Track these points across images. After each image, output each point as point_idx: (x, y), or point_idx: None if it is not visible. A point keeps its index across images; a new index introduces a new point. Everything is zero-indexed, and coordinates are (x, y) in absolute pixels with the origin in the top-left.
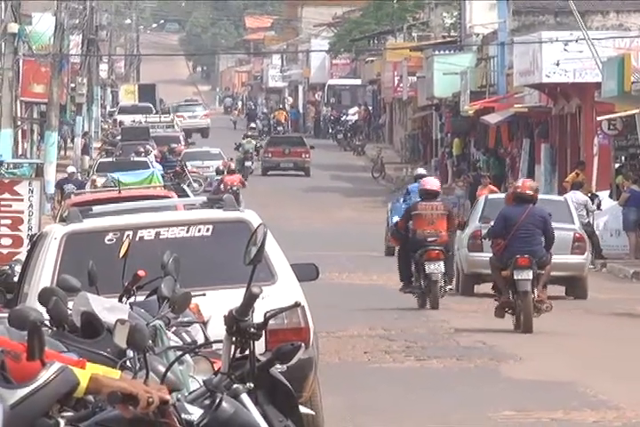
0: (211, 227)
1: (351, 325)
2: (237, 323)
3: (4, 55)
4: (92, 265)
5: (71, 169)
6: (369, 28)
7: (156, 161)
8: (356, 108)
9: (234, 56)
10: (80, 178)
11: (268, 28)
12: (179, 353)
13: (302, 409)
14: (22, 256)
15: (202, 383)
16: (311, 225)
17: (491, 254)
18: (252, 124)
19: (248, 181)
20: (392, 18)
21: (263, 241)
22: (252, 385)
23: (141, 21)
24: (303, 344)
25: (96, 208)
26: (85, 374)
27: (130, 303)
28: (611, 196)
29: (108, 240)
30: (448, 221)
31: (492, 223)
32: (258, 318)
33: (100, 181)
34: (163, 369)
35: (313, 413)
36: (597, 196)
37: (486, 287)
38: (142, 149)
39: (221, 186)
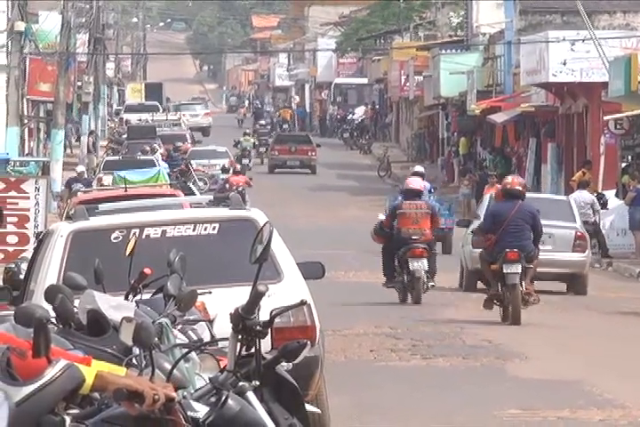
0: (217, 225)
1: (357, 323)
2: (243, 321)
3: (11, 53)
4: (99, 263)
5: (80, 168)
6: (376, 27)
7: (162, 159)
8: (362, 108)
9: (240, 55)
10: (86, 176)
11: (274, 27)
12: (185, 351)
13: (308, 407)
14: (28, 254)
15: (208, 381)
16: (317, 223)
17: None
18: (262, 122)
19: (254, 180)
20: (399, 17)
21: (269, 239)
22: (258, 383)
23: (148, 20)
24: (309, 342)
25: (102, 206)
26: (91, 371)
27: (136, 301)
28: (617, 195)
29: (115, 238)
30: (431, 219)
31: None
32: (264, 316)
33: (107, 179)
34: (169, 367)
35: (319, 411)
36: (604, 195)
37: None
38: (148, 148)
39: (227, 186)
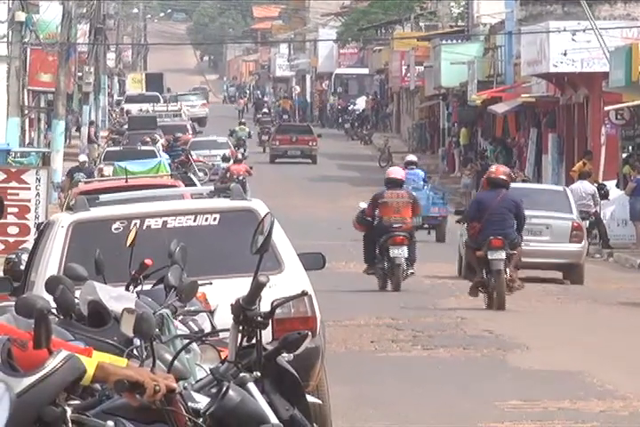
0: (218, 216)
1: (358, 314)
2: (244, 312)
3: (12, 44)
4: (99, 254)
5: (83, 158)
6: (376, 17)
7: (163, 150)
8: (363, 98)
9: (241, 45)
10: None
11: (275, 18)
12: (185, 342)
13: (309, 398)
14: (29, 245)
15: (208, 372)
16: (318, 214)
17: None
18: (265, 110)
19: (255, 169)
20: (400, 7)
21: (270, 230)
22: (259, 374)
23: (149, 10)
24: (310, 333)
25: (103, 197)
26: (92, 362)
27: (137, 292)
28: (618, 185)
29: (115, 229)
30: (413, 208)
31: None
32: (265, 306)
33: (108, 169)
34: (169, 358)
35: (320, 402)
36: (605, 185)
37: None
38: (148, 139)
39: (227, 175)
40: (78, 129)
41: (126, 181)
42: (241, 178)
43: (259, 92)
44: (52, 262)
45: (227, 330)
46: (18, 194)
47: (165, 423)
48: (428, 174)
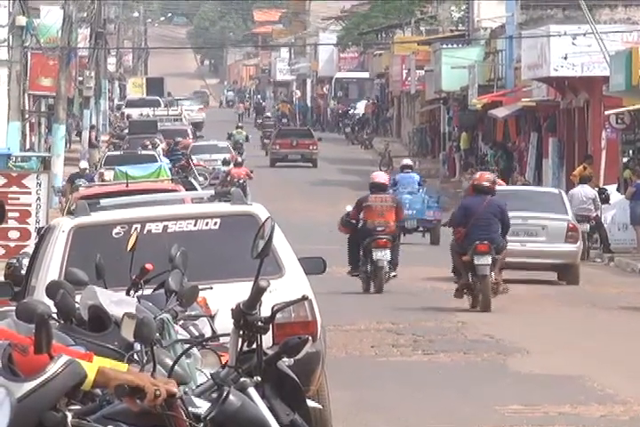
0: (218, 220)
1: (359, 318)
2: (245, 316)
3: (13, 48)
4: (100, 258)
5: (83, 164)
6: (377, 21)
7: (163, 155)
8: (364, 102)
9: (242, 49)
10: (89, 172)
11: (276, 22)
12: (186, 346)
13: (310, 403)
14: (30, 249)
15: (209, 377)
16: (318, 218)
17: None
18: (268, 114)
19: (255, 173)
20: (400, 11)
21: (271, 234)
22: (260, 379)
23: (149, 15)
24: (310, 338)
25: (104, 201)
26: (93, 367)
27: (137, 297)
28: (618, 190)
29: (116, 233)
30: (396, 212)
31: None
32: (265, 311)
33: (109, 174)
34: (170, 362)
35: (320, 406)
36: (606, 189)
37: None
38: (148, 143)
39: (228, 178)
40: (79, 133)
41: (127, 186)
42: (241, 181)
43: (259, 96)
44: (52, 267)
45: (227, 335)
46: (19, 198)
47: None
48: (423, 178)
